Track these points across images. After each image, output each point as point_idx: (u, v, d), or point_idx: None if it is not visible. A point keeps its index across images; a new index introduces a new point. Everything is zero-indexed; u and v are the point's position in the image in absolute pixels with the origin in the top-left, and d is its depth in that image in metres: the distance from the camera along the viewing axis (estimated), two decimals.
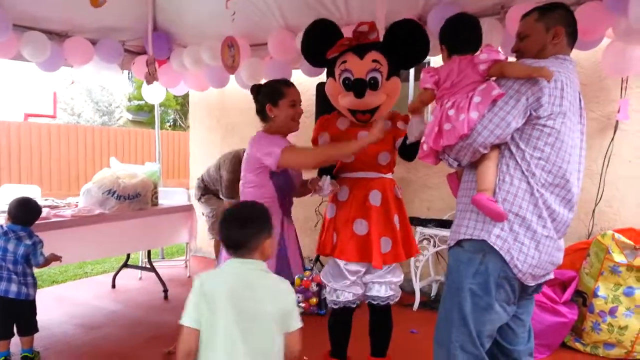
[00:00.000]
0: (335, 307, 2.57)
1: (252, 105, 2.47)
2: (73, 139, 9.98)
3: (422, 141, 1.93)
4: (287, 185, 2.42)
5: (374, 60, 2.39)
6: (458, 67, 1.82)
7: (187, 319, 1.50)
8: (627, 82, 3.47)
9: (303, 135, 2.65)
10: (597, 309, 3.14)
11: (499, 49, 2.32)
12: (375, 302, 2.55)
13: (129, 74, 5.89)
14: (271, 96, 2.39)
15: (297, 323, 1.60)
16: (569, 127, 1.71)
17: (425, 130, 1.91)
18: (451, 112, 1.76)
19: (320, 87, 3.77)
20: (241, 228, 1.61)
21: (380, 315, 2.61)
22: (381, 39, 2.50)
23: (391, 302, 2.58)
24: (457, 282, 1.81)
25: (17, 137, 8.95)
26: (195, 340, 1.50)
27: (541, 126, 1.68)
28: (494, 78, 1.78)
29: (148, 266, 4.57)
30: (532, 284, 1.80)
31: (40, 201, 3.54)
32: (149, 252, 4.64)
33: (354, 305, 2.57)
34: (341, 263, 2.48)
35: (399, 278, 2.57)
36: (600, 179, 3.60)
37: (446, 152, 1.83)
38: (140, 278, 4.94)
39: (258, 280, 1.58)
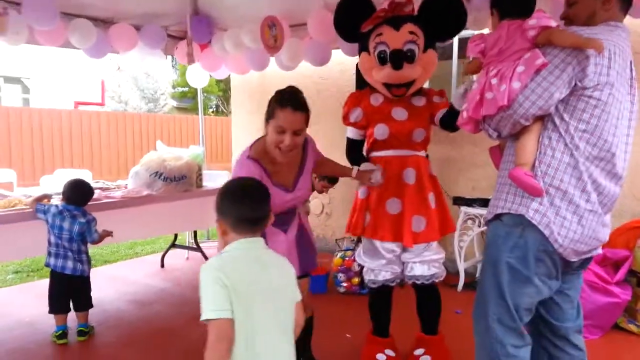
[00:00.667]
0: (374, 286, 2.56)
1: None
2: (121, 126, 10.31)
3: (463, 108, 1.88)
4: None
5: (411, 32, 2.35)
6: (507, 33, 1.75)
7: (219, 312, 1.32)
8: None
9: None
10: None
11: None
12: (419, 282, 2.52)
13: (172, 60, 5.98)
14: (267, 110, 2.04)
15: (299, 294, 1.57)
16: (617, 99, 1.62)
17: (469, 96, 1.86)
18: (494, 81, 1.70)
19: None
20: (260, 203, 1.51)
21: (426, 294, 2.58)
22: (415, 13, 2.44)
23: (436, 280, 2.53)
24: (494, 256, 1.78)
25: (69, 124, 9.32)
26: (233, 331, 1.33)
27: (587, 97, 1.60)
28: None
29: (195, 246, 4.69)
30: (575, 259, 1.73)
31: (92, 183, 3.68)
32: (195, 232, 4.75)
33: (393, 284, 2.55)
34: (377, 242, 2.47)
35: (439, 255, 2.53)
36: None
37: (486, 121, 1.78)
38: (187, 258, 5.08)
39: (267, 258, 1.52)
